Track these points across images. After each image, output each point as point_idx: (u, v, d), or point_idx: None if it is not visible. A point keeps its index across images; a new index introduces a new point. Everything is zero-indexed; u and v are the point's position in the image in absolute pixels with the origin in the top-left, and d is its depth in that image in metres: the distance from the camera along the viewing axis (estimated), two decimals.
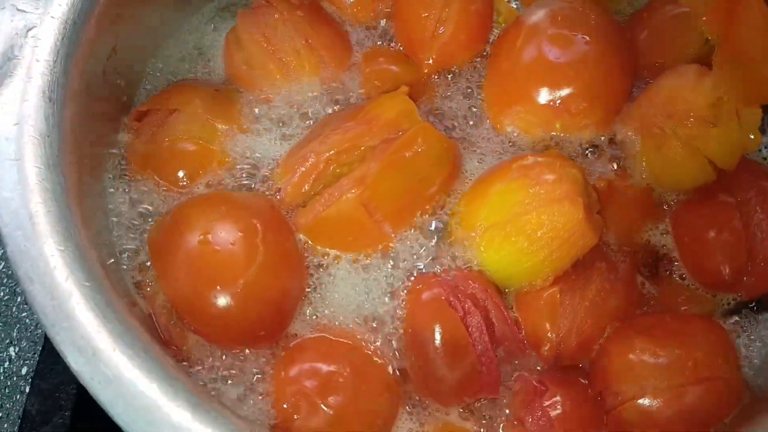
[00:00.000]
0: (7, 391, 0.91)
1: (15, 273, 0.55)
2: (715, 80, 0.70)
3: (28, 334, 0.94)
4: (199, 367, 0.66)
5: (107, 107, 0.75)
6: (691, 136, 0.71)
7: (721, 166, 0.71)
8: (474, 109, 0.80)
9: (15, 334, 0.94)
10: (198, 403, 0.52)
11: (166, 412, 0.51)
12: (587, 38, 0.75)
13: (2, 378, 0.92)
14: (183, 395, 0.52)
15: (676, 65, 0.77)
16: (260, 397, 0.66)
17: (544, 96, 0.75)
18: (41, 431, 0.81)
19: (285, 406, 0.65)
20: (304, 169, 0.72)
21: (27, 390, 0.88)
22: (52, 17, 0.65)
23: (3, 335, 0.94)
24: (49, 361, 0.82)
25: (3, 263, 0.98)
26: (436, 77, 0.82)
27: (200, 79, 0.83)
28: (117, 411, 0.50)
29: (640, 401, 0.64)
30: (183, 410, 0.51)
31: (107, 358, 0.52)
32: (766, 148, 0.81)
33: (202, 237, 0.66)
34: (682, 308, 0.73)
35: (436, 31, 0.80)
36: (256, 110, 0.79)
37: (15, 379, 0.92)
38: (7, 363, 0.92)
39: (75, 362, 0.51)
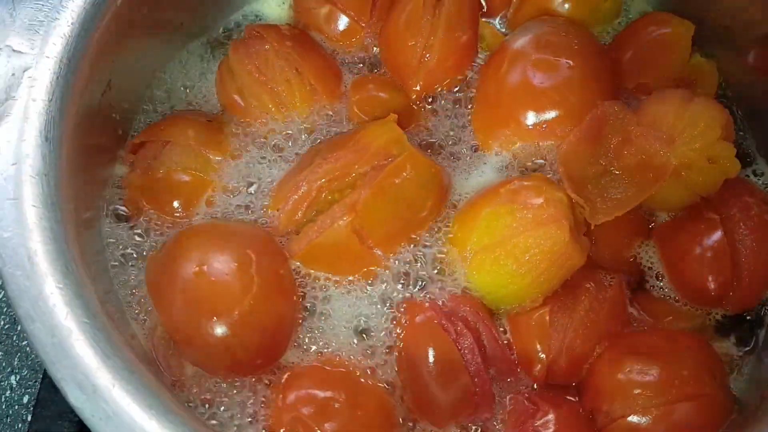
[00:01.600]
0: (8, 420, 0.92)
1: (15, 312, 0.56)
2: (695, 111, 0.72)
3: (29, 362, 0.95)
4: (198, 398, 0.67)
5: (103, 141, 0.77)
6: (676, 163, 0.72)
7: (702, 194, 0.73)
8: (462, 133, 0.82)
9: (16, 363, 0.95)
10: None
11: None
12: (570, 63, 0.76)
13: (4, 407, 0.93)
14: (182, 430, 0.53)
15: (660, 86, 0.78)
16: (259, 425, 0.67)
17: (530, 119, 0.77)
18: None
19: None
20: (296, 197, 0.73)
21: (29, 419, 0.89)
22: (47, 57, 0.66)
23: (4, 364, 0.95)
24: (51, 390, 0.83)
25: (3, 292, 0.99)
26: (424, 103, 0.83)
27: (194, 109, 0.84)
28: None
29: (630, 419, 0.66)
30: None
31: (107, 395, 0.53)
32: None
33: (197, 268, 0.67)
34: (671, 325, 0.74)
35: (423, 57, 0.81)
36: (250, 139, 0.81)
37: (17, 407, 0.93)
38: (9, 392, 0.93)
39: (75, 399, 0.53)
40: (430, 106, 0.83)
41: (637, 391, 0.66)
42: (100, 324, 0.57)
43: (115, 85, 0.76)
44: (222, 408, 0.68)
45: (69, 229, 0.62)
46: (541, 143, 0.77)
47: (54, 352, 0.54)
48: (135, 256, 0.74)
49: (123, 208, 0.77)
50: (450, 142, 0.81)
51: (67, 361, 0.54)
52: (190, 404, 0.67)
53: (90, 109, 0.72)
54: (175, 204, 0.77)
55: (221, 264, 0.68)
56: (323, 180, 0.72)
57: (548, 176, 0.75)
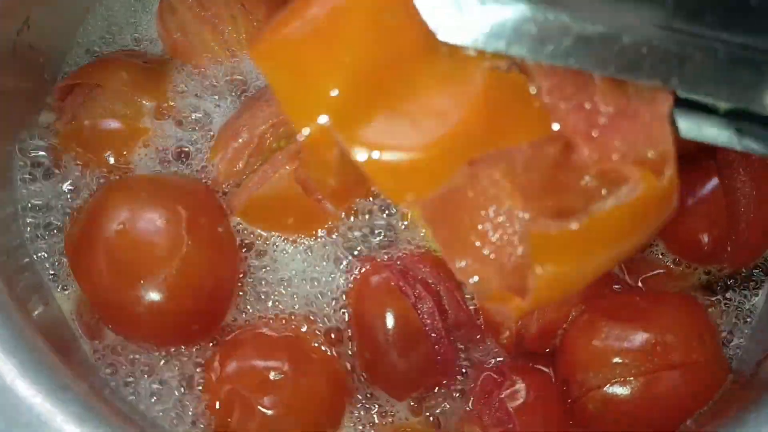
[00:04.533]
0: None
1: None
2: None
3: None
4: (118, 370, 0.61)
5: (24, 85, 0.69)
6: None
7: None
8: None
9: None
10: (92, 417, 0.47)
11: (54, 428, 0.45)
12: None
13: None
14: (75, 409, 0.46)
15: None
16: (190, 400, 0.61)
17: None
18: None
19: (217, 409, 0.60)
20: (236, 144, 0.66)
21: None
22: None
23: None
24: None
25: None
26: None
27: (131, 51, 0.76)
28: None
29: (606, 390, 0.59)
30: (72, 425, 0.45)
31: None
32: None
33: (120, 226, 0.60)
34: (657, 285, 0.67)
35: None
36: (191, 83, 0.73)
37: None
38: None
39: None
40: None
41: (615, 359, 0.60)
42: None
43: (36, 22, 0.68)
44: (148, 380, 0.61)
45: None
46: None
47: None
48: (61, 212, 0.67)
49: (48, 160, 0.69)
50: None
51: None
52: (110, 377, 0.60)
53: (3, 51, 0.64)
54: (107, 155, 0.69)
55: (147, 221, 0.61)
56: (266, 125, 0.65)
57: None
